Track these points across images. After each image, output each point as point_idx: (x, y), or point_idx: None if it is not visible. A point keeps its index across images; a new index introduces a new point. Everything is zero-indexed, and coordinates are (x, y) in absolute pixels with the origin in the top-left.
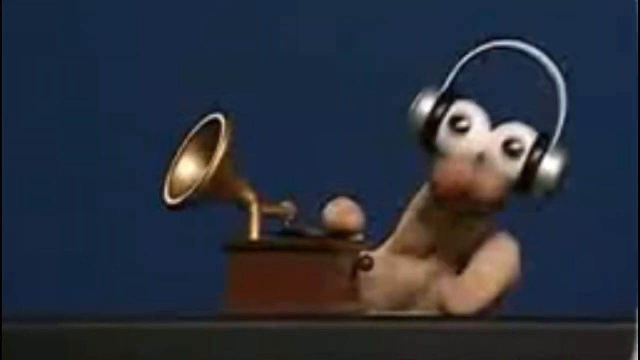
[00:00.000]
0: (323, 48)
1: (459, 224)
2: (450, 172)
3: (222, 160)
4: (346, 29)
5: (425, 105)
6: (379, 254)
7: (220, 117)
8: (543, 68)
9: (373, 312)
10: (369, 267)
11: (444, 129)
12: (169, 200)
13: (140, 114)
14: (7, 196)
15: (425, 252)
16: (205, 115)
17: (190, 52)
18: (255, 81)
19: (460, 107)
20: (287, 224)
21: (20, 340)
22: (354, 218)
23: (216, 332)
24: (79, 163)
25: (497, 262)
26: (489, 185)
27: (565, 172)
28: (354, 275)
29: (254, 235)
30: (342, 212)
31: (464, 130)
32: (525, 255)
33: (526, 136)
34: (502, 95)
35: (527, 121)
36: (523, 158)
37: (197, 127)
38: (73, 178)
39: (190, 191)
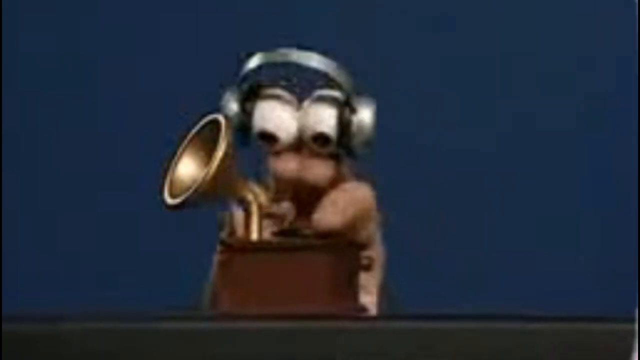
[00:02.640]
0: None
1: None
2: (280, 169)
3: (222, 160)
4: (346, 30)
5: (232, 107)
6: None
7: (220, 117)
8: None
9: (372, 312)
10: (368, 267)
11: (255, 138)
12: (169, 200)
13: (140, 114)
14: (7, 196)
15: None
16: (205, 115)
17: (190, 52)
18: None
19: (261, 116)
20: (286, 224)
21: (20, 340)
22: None
23: (216, 332)
24: (79, 163)
25: (353, 192)
26: (317, 172)
27: (374, 116)
28: (353, 275)
29: (254, 235)
30: None
31: (273, 139)
32: (525, 255)
33: (329, 120)
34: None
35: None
36: (333, 142)
37: (197, 127)
38: (73, 178)
39: (190, 191)
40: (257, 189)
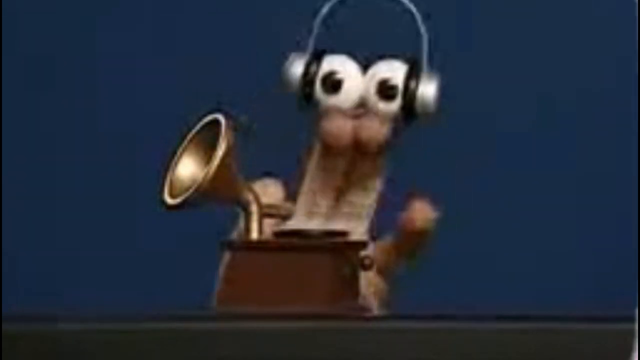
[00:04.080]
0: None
1: (358, 170)
2: (331, 128)
3: (222, 160)
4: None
5: (296, 68)
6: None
7: (220, 117)
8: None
9: (372, 312)
10: (369, 266)
11: (318, 89)
12: (169, 200)
13: (140, 114)
14: (7, 196)
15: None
16: (205, 115)
17: (190, 52)
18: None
19: (329, 62)
20: (286, 223)
21: (20, 340)
22: (271, 190)
23: (216, 332)
24: (78, 163)
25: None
26: (373, 131)
27: (439, 92)
28: (353, 275)
29: (254, 235)
30: (260, 187)
31: (337, 86)
32: (525, 255)
33: (397, 72)
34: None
35: (396, 55)
36: (399, 95)
37: (197, 127)
38: (73, 178)
39: (190, 191)
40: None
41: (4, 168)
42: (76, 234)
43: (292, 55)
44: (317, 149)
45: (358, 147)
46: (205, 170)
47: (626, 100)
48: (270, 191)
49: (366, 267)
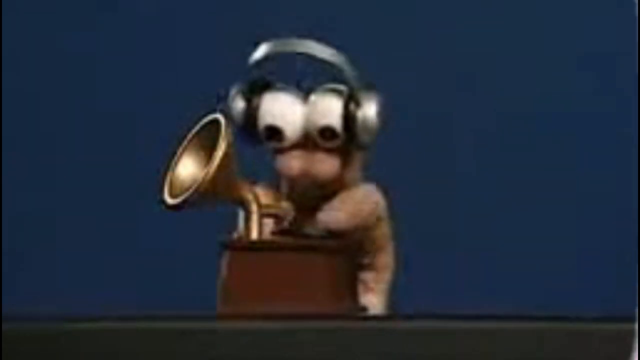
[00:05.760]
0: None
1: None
2: (282, 167)
3: (222, 160)
4: (345, 29)
5: (237, 108)
6: None
7: (220, 117)
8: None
9: (372, 312)
10: (368, 266)
11: (261, 135)
12: (169, 200)
13: (140, 114)
14: (7, 196)
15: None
16: (205, 115)
17: (190, 52)
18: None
19: (267, 110)
20: (286, 224)
21: (20, 340)
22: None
23: (215, 332)
24: (78, 163)
25: (363, 194)
26: (323, 167)
27: (380, 109)
28: (353, 275)
29: (254, 235)
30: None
31: (279, 136)
32: (525, 255)
33: (334, 114)
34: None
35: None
36: (341, 136)
37: (197, 127)
38: (73, 178)
39: (190, 191)
40: (259, 189)
41: (4, 168)
42: (76, 234)
43: (233, 89)
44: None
45: (312, 182)
46: (205, 170)
47: (626, 101)
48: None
49: (366, 267)
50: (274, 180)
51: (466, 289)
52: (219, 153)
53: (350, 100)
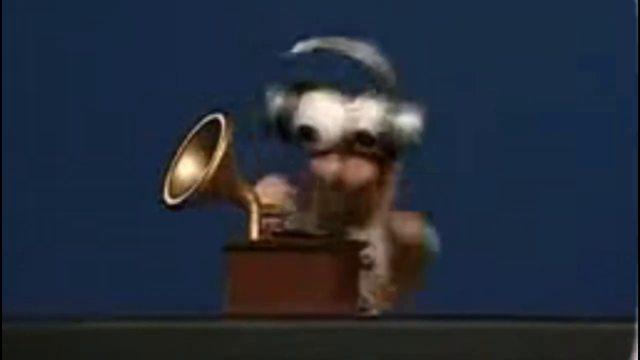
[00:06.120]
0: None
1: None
2: (317, 169)
3: (222, 160)
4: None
5: (273, 108)
6: None
7: (220, 117)
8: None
9: (373, 312)
10: (369, 266)
11: (296, 136)
12: (169, 200)
13: (140, 114)
14: (7, 196)
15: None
16: (205, 115)
17: (190, 53)
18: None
19: (305, 111)
20: (287, 224)
21: (20, 340)
22: (272, 190)
23: (216, 332)
24: (78, 163)
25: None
26: (356, 173)
27: (419, 123)
28: (353, 275)
29: (254, 235)
30: (264, 186)
31: (314, 137)
32: (525, 255)
33: (373, 120)
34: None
35: (375, 86)
36: (377, 142)
37: (197, 127)
38: (73, 178)
39: (190, 191)
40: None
41: (4, 168)
42: (76, 234)
43: (271, 90)
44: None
45: (346, 187)
46: (205, 170)
47: (626, 101)
48: (269, 191)
49: (366, 267)
50: (307, 184)
51: (466, 289)
52: (219, 153)
53: (391, 108)
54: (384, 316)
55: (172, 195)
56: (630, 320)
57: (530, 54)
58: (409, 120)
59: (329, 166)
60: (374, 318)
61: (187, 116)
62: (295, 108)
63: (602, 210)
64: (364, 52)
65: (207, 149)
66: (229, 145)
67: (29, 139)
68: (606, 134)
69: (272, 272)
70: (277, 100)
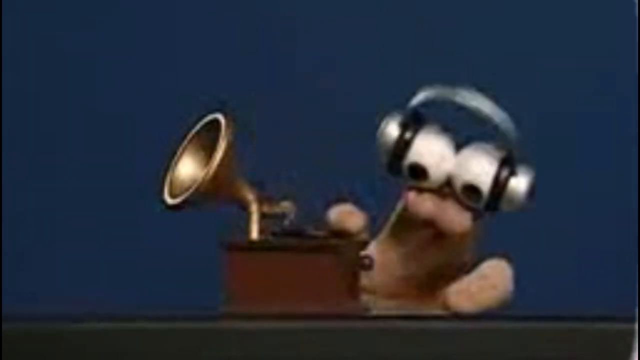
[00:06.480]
0: (324, 50)
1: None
2: (417, 206)
3: (222, 160)
4: (345, 30)
5: (388, 137)
6: (376, 242)
7: (220, 117)
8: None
9: (373, 312)
10: (368, 267)
11: (405, 169)
12: (169, 200)
13: (140, 114)
14: (7, 196)
15: (416, 244)
16: (205, 115)
17: (190, 52)
18: (256, 81)
19: (419, 148)
20: (287, 223)
21: (20, 340)
22: (354, 219)
23: (216, 332)
24: (78, 163)
25: (498, 275)
26: (454, 219)
27: (532, 186)
28: (354, 275)
29: (254, 235)
30: (343, 213)
31: (423, 175)
32: (526, 255)
33: (484, 176)
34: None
35: (491, 137)
36: (483, 198)
37: (197, 127)
38: (73, 178)
39: (190, 191)
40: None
41: (4, 168)
42: (76, 234)
43: (388, 118)
44: (398, 211)
45: (439, 230)
46: (205, 170)
47: (626, 101)
48: (353, 219)
49: (366, 267)
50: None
51: None
52: (219, 153)
53: (505, 166)
54: (384, 316)
55: (172, 195)
56: (630, 320)
57: (530, 54)
58: (522, 184)
59: (425, 204)
60: (374, 318)
61: (187, 116)
62: (409, 143)
63: (602, 210)
64: (482, 102)
65: (207, 149)
66: (229, 145)
67: (29, 139)
68: (606, 134)
69: (272, 272)
70: (393, 131)
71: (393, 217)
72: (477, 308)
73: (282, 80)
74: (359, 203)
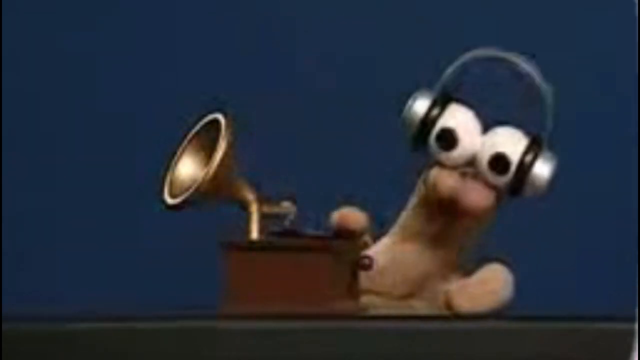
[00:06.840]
0: (324, 50)
1: (457, 221)
2: (440, 181)
3: (222, 160)
4: (345, 30)
5: (417, 109)
6: (385, 243)
7: (220, 117)
8: (529, 77)
9: (373, 312)
10: (368, 267)
11: (433, 139)
12: (169, 200)
13: (140, 114)
14: (7, 196)
15: (429, 240)
16: (205, 115)
17: (190, 52)
18: (256, 81)
19: (451, 114)
20: (287, 223)
21: (20, 340)
22: (355, 219)
23: (215, 332)
24: (78, 163)
25: (498, 280)
26: (476, 197)
27: (554, 174)
28: (353, 275)
29: (254, 235)
30: (345, 213)
31: (452, 144)
32: (526, 255)
33: (515, 147)
34: (496, 94)
35: (520, 122)
36: (510, 173)
37: (197, 127)
38: (73, 178)
39: (190, 191)
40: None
41: (4, 168)
42: (76, 234)
43: (416, 94)
44: (419, 193)
45: (458, 209)
46: (205, 170)
47: (626, 101)
48: (355, 219)
49: (366, 267)
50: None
51: None
52: (219, 153)
53: (533, 146)
54: (384, 316)
55: (172, 195)
56: (630, 320)
57: (530, 54)
58: (545, 170)
59: (448, 180)
60: (374, 318)
61: (187, 116)
62: (441, 114)
63: (602, 210)
64: (524, 62)
65: (207, 149)
66: (229, 145)
67: (29, 139)
68: (606, 134)
69: (272, 272)
70: (418, 108)
71: (406, 213)
72: (476, 311)
73: (282, 80)
74: (359, 203)
